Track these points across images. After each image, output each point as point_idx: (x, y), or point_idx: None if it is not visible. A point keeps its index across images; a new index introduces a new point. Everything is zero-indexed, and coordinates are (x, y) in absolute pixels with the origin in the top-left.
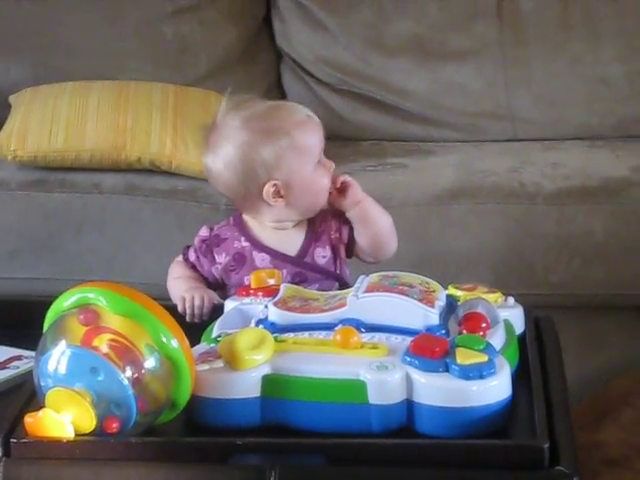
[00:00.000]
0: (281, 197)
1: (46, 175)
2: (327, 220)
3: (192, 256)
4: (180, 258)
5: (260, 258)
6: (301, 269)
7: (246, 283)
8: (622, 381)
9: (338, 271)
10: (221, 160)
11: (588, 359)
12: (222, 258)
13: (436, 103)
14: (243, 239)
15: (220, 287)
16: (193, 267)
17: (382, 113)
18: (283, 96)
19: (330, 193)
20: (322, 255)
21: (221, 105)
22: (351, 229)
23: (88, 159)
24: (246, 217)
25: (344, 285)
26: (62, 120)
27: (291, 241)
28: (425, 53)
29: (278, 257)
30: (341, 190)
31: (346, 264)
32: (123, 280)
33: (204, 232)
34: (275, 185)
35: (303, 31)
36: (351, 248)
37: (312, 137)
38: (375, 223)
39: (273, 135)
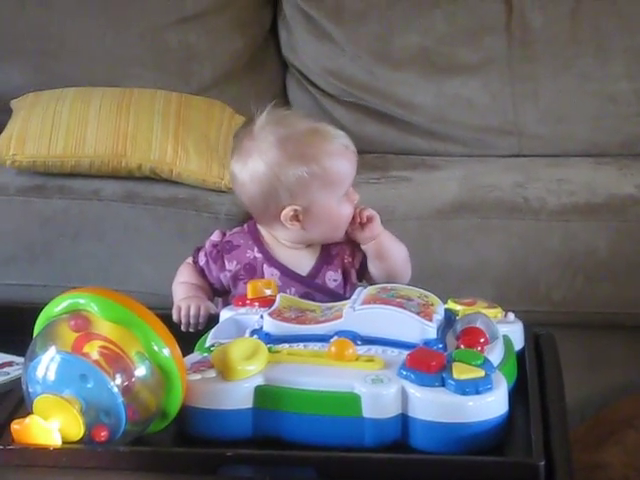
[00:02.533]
0: (298, 221)
1: (45, 181)
2: (341, 244)
3: (202, 260)
4: (190, 260)
5: (270, 273)
6: (310, 290)
7: None
8: (626, 402)
9: (348, 295)
10: (249, 172)
11: (591, 379)
12: (232, 266)
13: (442, 117)
14: (256, 249)
15: (226, 294)
16: (201, 271)
17: (387, 126)
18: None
19: (351, 224)
20: (333, 279)
21: (262, 115)
22: (364, 255)
23: (88, 165)
24: (261, 227)
25: None
26: (62, 126)
27: (303, 260)
28: (432, 66)
29: (288, 274)
30: (363, 224)
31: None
32: (120, 289)
33: (216, 237)
34: (295, 210)
35: (309, 42)
36: (362, 273)
37: (343, 169)
38: (390, 257)
39: (304, 161)
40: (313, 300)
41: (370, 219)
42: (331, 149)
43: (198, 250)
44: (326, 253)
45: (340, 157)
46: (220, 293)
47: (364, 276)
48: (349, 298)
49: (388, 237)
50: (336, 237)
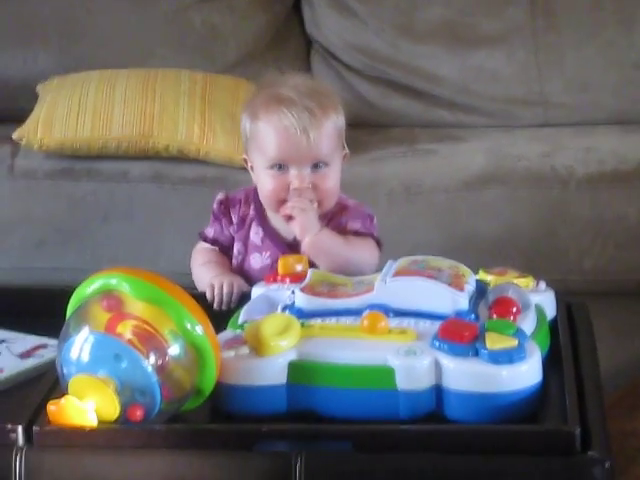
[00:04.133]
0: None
1: (73, 164)
2: (327, 220)
3: (210, 232)
4: (199, 246)
5: (255, 231)
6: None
7: (236, 258)
8: None
9: None
10: None
11: (623, 347)
12: (236, 219)
13: (467, 89)
14: (252, 206)
15: None
16: (214, 241)
17: (412, 99)
18: None
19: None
20: None
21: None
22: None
23: (115, 147)
24: None
25: None
26: (89, 108)
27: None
28: (456, 38)
29: (270, 236)
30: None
31: None
32: (150, 269)
33: (221, 196)
34: (245, 158)
35: (332, 17)
36: None
37: (269, 140)
38: (322, 261)
39: (251, 117)
40: None
41: (291, 217)
42: (271, 119)
43: (202, 232)
44: None
45: (273, 129)
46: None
47: None
48: None
49: (318, 242)
50: (267, 206)
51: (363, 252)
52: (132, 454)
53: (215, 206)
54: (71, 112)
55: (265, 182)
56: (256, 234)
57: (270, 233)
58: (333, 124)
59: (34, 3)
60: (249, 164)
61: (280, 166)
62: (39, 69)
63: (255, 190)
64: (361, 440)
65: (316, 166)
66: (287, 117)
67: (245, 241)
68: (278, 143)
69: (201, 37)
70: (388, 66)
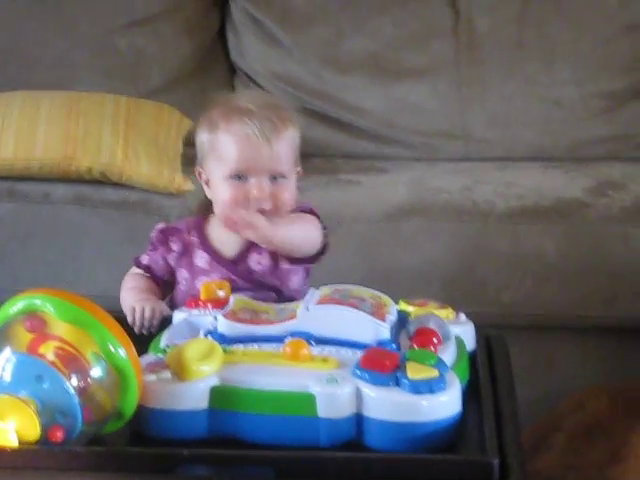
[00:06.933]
0: (208, 187)
1: None
2: None
3: (145, 258)
4: (132, 270)
5: (200, 256)
6: (233, 275)
7: (182, 284)
8: (563, 404)
9: (277, 282)
10: None
11: (539, 380)
12: (176, 247)
13: (390, 121)
14: (194, 233)
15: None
16: (147, 268)
17: (336, 130)
18: None
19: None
20: (258, 261)
21: None
22: None
23: (38, 168)
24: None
25: (284, 297)
26: (12, 129)
27: (233, 242)
28: (380, 71)
29: (215, 258)
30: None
31: (295, 275)
32: (70, 291)
33: (160, 225)
34: (200, 171)
35: (257, 46)
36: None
37: (230, 149)
38: (288, 249)
39: (209, 129)
40: (237, 287)
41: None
42: (233, 129)
43: (137, 258)
44: None
45: (235, 138)
46: (170, 285)
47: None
48: (275, 285)
49: (282, 233)
50: (222, 220)
51: (310, 229)
52: (52, 476)
53: (154, 234)
54: None
55: (224, 192)
56: (201, 258)
57: (215, 256)
58: (292, 137)
59: None
60: (203, 178)
61: (239, 176)
62: None
63: (200, 219)
64: (282, 466)
65: (275, 179)
66: (249, 126)
67: (190, 267)
68: (240, 151)
69: (126, 62)
70: (312, 96)
